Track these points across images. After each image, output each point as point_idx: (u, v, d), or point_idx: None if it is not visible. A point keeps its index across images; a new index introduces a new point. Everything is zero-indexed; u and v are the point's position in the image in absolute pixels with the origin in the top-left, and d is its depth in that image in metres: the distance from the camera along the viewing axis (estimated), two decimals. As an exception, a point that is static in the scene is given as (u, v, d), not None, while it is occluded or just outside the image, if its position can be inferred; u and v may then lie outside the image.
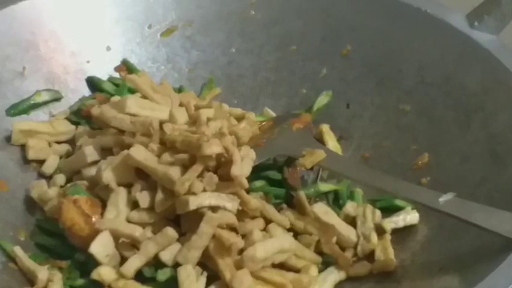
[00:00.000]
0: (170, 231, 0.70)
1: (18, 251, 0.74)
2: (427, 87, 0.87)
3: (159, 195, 0.72)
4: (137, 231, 0.71)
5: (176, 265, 0.70)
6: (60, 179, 0.81)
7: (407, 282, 0.72)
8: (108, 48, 0.95)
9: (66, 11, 0.93)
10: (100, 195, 0.76)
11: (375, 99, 0.90)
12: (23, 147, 0.85)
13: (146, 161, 0.74)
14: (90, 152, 0.79)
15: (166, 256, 0.70)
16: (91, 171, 0.78)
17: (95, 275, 0.70)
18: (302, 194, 0.78)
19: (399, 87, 0.89)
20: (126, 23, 0.96)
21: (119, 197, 0.74)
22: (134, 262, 0.69)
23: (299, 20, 0.96)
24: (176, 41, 0.97)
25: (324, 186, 0.83)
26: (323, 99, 0.92)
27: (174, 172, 0.71)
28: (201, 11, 0.98)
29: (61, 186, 0.80)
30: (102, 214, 0.73)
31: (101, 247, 0.70)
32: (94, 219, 0.72)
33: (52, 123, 0.86)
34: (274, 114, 0.93)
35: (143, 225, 0.73)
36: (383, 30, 0.91)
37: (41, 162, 0.84)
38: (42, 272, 0.71)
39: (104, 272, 0.70)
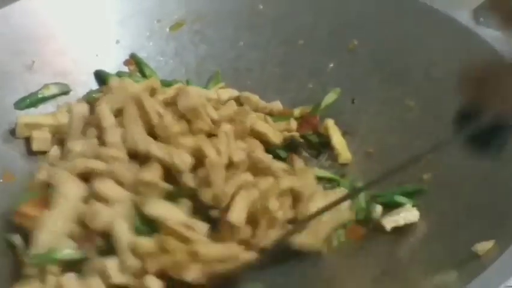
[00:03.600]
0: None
1: (17, 239, 0.75)
2: (432, 83, 0.86)
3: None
4: None
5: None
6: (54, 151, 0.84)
7: (404, 279, 0.73)
8: (117, 42, 0.96)
9: (75, 5, 0.94)
10: None
11: (381, 95, 0.90)
12: (28, 139, 0.86)
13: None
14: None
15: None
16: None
17: None
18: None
19: (404, 83, 0.89)
20: (135, 17, 0.97)
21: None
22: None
23: (307, 15, 0.96)
24: (184, 35, 0.98)
25: (320, 172, 0.84)
26: (331, 96, 0.93)
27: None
28: (209, 5, 0.98)
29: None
30: None
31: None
32: None
33: (56, 115, 0.87)
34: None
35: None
36: (389, 26, 0.91)
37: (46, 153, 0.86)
38: None
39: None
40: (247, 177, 0.77)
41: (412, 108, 0.87)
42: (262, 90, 0.96)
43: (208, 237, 0.73)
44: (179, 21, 0.98)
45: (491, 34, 0.84)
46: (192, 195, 0.76)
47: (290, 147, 0.88)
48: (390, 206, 0.79)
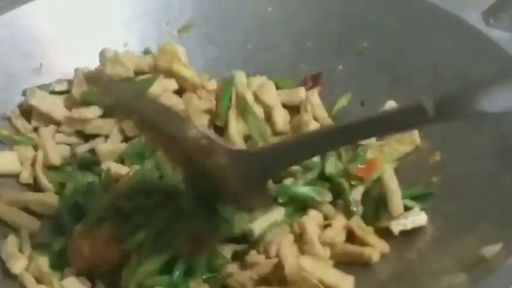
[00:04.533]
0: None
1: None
2: (441, 84, 0.86)
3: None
4: None
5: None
6: None
7: (413, 282, 0.72)
8: (125, 45, 0.96)
9: (84, 8, 0.95)
10: None
11: (390, 97, 0.89)
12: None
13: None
14: None
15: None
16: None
17: None
18: None
19: (413, 85, 0.88)
20: (143, 20, 0.97)
21: None
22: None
23: (315, 17, 0.95)
24: (193, 37, 0.98)
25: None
26: (342, 101, 0.92)
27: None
28: (217, 7, 0.98)
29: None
30: None
31: None
32: None
33: None
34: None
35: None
36: (398, 27, 0.90)
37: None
38: None
39: None
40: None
41: (422, 110, 0.86)
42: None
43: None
44: (188, 24, 0.98)
45: (500, 36, 0.83)
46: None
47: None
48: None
